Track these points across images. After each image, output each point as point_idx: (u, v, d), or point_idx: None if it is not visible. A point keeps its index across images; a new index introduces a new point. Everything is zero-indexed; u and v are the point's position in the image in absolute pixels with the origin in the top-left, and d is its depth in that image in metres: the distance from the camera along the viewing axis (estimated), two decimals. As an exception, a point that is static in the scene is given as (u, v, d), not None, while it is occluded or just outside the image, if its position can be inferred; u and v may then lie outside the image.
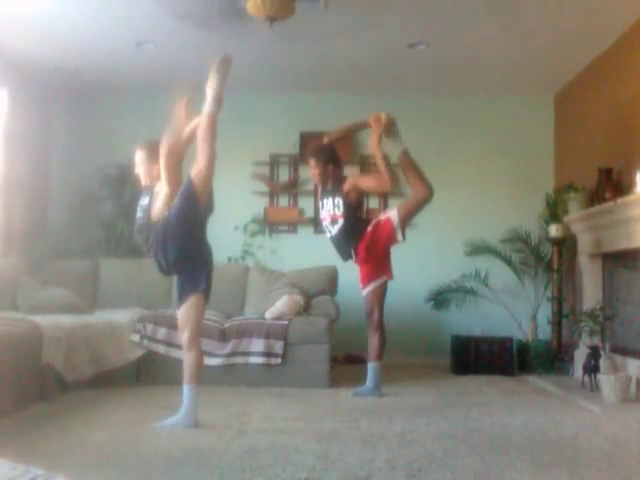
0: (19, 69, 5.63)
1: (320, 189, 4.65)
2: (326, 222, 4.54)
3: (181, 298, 3.47)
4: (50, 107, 6.19)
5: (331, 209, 4.47)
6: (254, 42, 5.17)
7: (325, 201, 4.54)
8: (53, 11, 4.65)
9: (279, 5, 4.11)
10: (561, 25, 4.81)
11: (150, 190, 3.54)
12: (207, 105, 3.42)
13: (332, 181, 4.53)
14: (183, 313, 3.46)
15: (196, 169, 3.38)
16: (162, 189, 3.43)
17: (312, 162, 4.55)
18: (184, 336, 3.44)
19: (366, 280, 4.49)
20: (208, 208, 3.53)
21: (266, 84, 6.31)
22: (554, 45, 5.19)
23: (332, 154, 4.57)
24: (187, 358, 3.42)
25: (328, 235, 4.56)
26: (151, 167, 3.55)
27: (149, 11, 4.62)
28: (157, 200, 3.45)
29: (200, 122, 3.43)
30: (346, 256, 4.53)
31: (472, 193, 6.41)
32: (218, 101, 3.43)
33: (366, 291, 4.50)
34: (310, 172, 4.67)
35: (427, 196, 4.37)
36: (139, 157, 3.59)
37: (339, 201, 4.44)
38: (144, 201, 3.53)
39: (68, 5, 4.56)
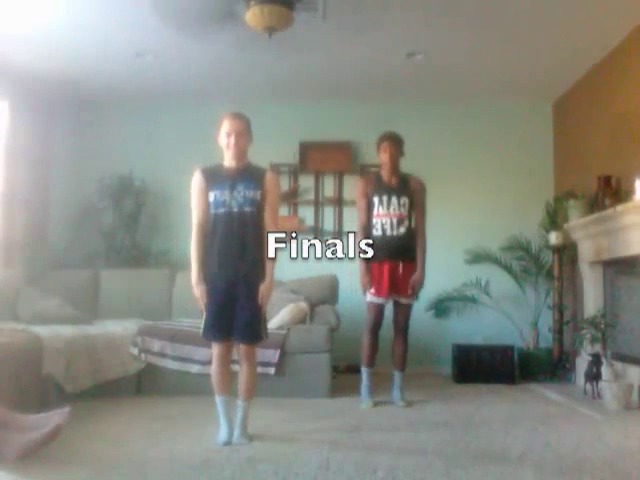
0: (20, 81, 5.64)
1: (374, 184, 4.48)
2: (386, 220, 4.41)
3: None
4: (51, 118, 6.20)
5: (397, 207, 4.39)
6: (253, 52, 5.19)
7: (386, 198, 4.42)
8: (53, 23, 4.68)
9: (277, 16, 4.13)
10: (559, 33, 4.83)
11: (242, 175, 3.34)
12: None
13: (396, 178, 4.47)
14: None
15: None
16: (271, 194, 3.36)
17: (386, 144, 4.43)
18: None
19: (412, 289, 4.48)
20: None
21: (265, 94, 6.33)
22: (552, 53, 5.21)
23: (403, 146, 4.52)
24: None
25: (381, 233, 4.41)
26: (248, 139, 3.42)
27: (149, 22, 4.64)
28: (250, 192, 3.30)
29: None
30: (410, 254, 4.49)
31: (472, 201, 6.41)
32: None
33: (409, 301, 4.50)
34: (380, 155, 4.48)
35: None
36: (240, 126, 3.34)
37: (406, 200, 4.41)
38: (247, 191, 3.29)
39: (68, 17, 4.59)
